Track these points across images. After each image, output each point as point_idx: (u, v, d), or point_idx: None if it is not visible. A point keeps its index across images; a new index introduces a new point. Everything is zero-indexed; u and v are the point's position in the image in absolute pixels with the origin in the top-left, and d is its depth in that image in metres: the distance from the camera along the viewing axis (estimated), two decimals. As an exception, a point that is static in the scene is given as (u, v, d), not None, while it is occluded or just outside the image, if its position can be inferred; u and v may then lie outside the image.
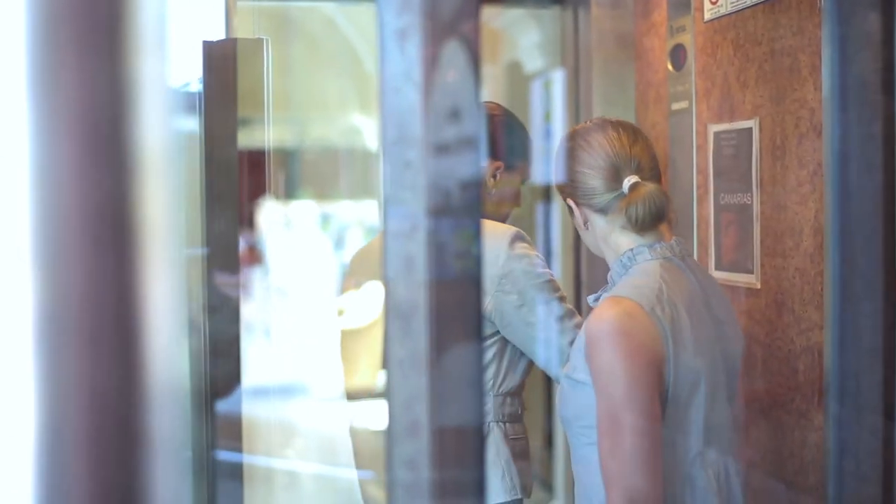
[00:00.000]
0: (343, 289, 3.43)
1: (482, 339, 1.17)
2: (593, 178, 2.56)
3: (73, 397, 0.62)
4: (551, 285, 3.00)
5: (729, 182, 3.61)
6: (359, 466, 3.38)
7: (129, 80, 0.65)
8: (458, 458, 1.21)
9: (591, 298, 2.67)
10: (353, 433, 3.40)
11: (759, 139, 3.42)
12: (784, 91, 3.27)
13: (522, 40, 5.36)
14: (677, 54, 4.08)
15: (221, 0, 3.67)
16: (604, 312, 2.41)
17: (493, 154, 3.17)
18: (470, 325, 1.20)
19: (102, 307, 0.61)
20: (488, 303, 2.94)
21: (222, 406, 3.42)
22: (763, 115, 3.40)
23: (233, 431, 3.49)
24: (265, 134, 3.32)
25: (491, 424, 3.02)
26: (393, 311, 1.18)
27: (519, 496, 3.05)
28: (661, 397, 2.39)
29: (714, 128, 3.73)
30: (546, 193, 4.86)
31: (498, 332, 3.00)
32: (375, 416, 2.94)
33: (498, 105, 3.30)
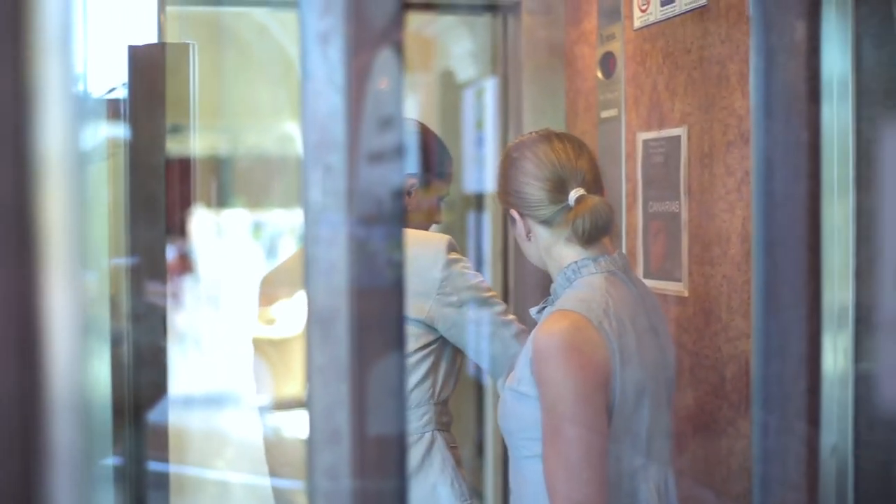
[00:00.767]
0: (259, 307, 3.40)
1: (404, 347, 1.15)
2: (539, 189, 2.55)
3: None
4: (485, 285, 3.02)
5: (657, 190, 3.62)
6: (280, 475, 3.35)
7: (30, 85, 0.63)
8: (379, 466, 1.19)
9: (533, 311, 2.66)
10: (274, 442, 3.37)
11: (687, 147, 3.43)
12: (712, 99, 3.29)
13: (455, 48, 5.36)
14: (607, 62, 4.09)
15: (153, 6, 3.64)
16: (552, 326, 2.40)
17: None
18: (392, 333, 1.18)
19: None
20: (430, 308, 2.94)
21: (149, 416, 3.38)
22: (692, 122, 3.42)
23: (160, 441, 3.44)
24: (191, 140, 3.28)
25: (434, 433, 3.02)
26: (313, 318, 1.16)
27: (469, 501, 3.05)
28: (607, 411, 2.38)
29: (643, 136, 3.75)
30: (477, 203, 4.86)
31: (436, 340, 3.00)
32: (300, 425, 2.92)
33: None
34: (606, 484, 2.34)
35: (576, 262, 2.54)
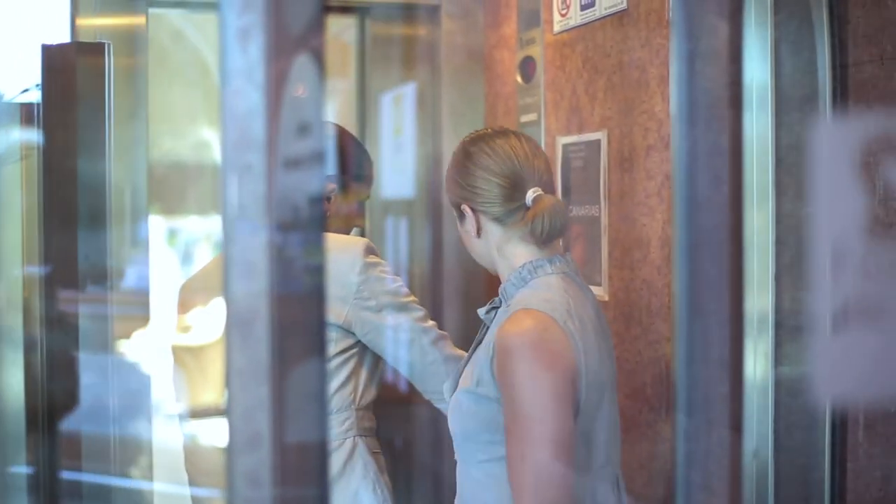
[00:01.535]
0: (176, 318, 3.36)
1: (325, 351, 1.13)
2: (496, 185, 2.50)
3: None
4: (404, 290, 3.00)
5: (577, 194, 3.63)
6: (199, 484, 3.32)
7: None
8: (300, 472, 1.17)
9: (481, 311, 2.62)
10: (193, 450, 3.34)
11: (607, 151, 3.44)
12: (632, 103, 3.30)
13: (372, 53, 5.34)
14: (526, 67, 4.09)
15: (65, 6, 3.59)
16: (517, 325, 2.35)
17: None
18: (313, 337, 1.16)
19: None
20: (347, 312, 2.92)
21: (63, 424, 3.33)
22: (611, 127, 3.42)
23: (73, 449, 3.39)
24: (106, 144, 3.23)
25: (356, 439, 3.00)
26: (232, 320, 1.14)
27: None
28: (574, 410, 2.35)
29: (563, 140, 3.75)
30: (397, 207, 4.84)
31: (355, 344, 2.98)
32: (219, 433, 2.88)
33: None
34: (573, 484, 2.31)
35: (531, 262, 2.50)
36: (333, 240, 2.97)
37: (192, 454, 3.35)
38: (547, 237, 2.49)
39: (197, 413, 3.37)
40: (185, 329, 3.42)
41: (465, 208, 2.56)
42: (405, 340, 2.97)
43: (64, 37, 3.53)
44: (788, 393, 2.93)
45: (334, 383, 2.98)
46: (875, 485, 2.76)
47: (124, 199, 4.27)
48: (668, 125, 3.09)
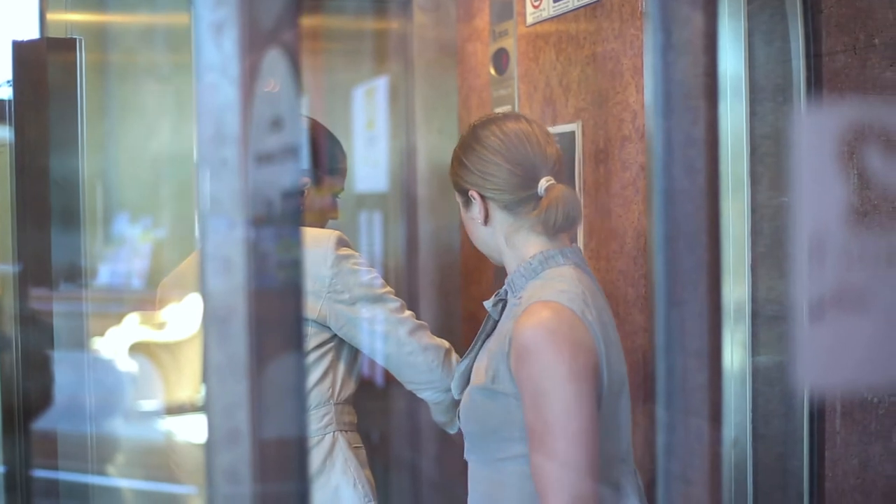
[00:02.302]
0: (148, 316, 3.35)
1: (303, 346, 1.13)
2: (509, 172, 2.42)
3: None
4: (379, 281, 2.97)
5: (553, 187, 3.62)
6: (180, 481, 3.30)
7: None
8: (281, 468, 1.17)
9: (488, 303, 2.55)
10: (174, 447, 3.33)
11: (582, 143, 3.44)
12: (606, 94, 3.30)
13: (344, 46, 5.33)
14: (500, 59, 4.08)
15: (34, 5, 3.57)
16: (535, 317, 2.28)
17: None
18: (290, 333, 1.15)
19: None
20: (321, 307, 2.90)
21: (37, 422, 3.31)
22: (586, 118, 3.42)
23: (49, 448, 3.37)
24: (79, 140, 3.21)
25: (336, 434, 2.98)
26: (210, 316, 1.13)
27: (373, 502, 3.01)
28: (597, 401, 2.29)
29: (537, 133, 3.74)
30: (370, 201, 4.83)
31: (332, 339, 2.96)
32: (197, 429, 2.87)
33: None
34: (597, 476, 2.26)
35: (542, 253, 2.43)
36: (305, 234, 2.95)
37: (170, 451, 3.34)
38: (560, 228, 2.42)
39: (173, 410, 3.36)
40: (161, 326, 3.41)
41: (473, 194, 2.48)
42: (381, 332, 2.95)
43: (33, 33, 3.51)
44: (766, 382, 2.94)
45: (311, 378, 2.96)
46: (853, 472, 2.77)
47: (96, 195, 4.25)
48: (642, 116, 3.09)
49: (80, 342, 3.44)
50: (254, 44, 1.12)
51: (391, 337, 2.94)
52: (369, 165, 4.75)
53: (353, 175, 4.61)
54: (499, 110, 4.07)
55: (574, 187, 3.45)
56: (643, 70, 3.06)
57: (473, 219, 2.52)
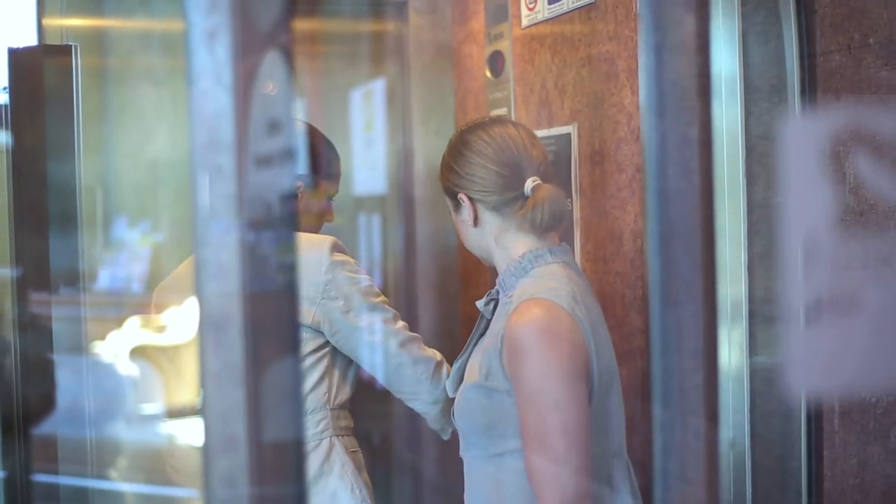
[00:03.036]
0: (146, 320, 3.35)
1: (299, 351, 1.13)
2: (495, 174, 2.48)
3: None
4: (374, 290, 2.98)
5: (549, 188, 3.63)
6: (178, 484, 3.31)
7: None
8: (277, 473, 1.17)
9: (480, 303, 2.59)
10: (172, 451, 3.33)
11: (577, 145, 3.44)
12: (602, 96, 3.30)
13: (341, 49, 5.33)
14: (495, 61, 4.09)
15: (31, 9, 3.57)
16: (526, 315, 2.32)
17: None
18: (286, 337, 1.16)
19: None
20: (315, 312, 2.90)
21: (38, 426, 3.31)
22: (581, 120, 3.43)
23: (49, 452, 3.38)
24: (76, 145, 3.21)
25: (332, 439, 2.99)
26: (206, 323, 1.13)
27: None
28: (587, 397, 2.33)
29: (534, 134, 3.75)
30: (369, 204, 4.83)
31: (326, 343, 2.97)
32: (196, 432, 2.88)
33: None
34: (591, 471, 2.30)
35: (531, 252, 2.48)
36: (300, 238, 2.95)
37: (170, 454, 3.34)
38: (547, 226, 2.48)
39: (173, 413, 3.36)
40: (160, 329, 3.41)
41: (462, 197, 2.54)
42: (372, 342, 2.95)
43: (31, 39, 3.51)
44: (764, 382, 2.94)
45: (307, 384, 2.96)
46: (851, 472, 2.77)
47: (96, 199, 4.26)
48: (637, 118, 3.10)
49: (78, 346, 3.45)
50: (247, 50, 1.12)
51: (382, 348, 2.95)
52: (367, 168, 4.75)
53: (351, 177, 4.61)
54: (495, 113, 4.07)
55: (570, 189, 3.45)
56: (638, 72, 3.07)
57: (463, 221, 2.58)
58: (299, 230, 3.04)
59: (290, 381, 1.16)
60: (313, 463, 2.94)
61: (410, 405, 3.02)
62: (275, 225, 1.14)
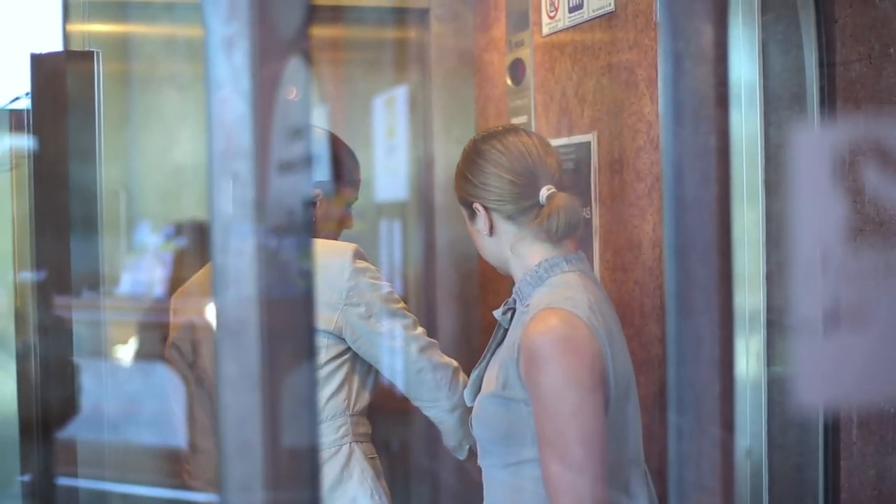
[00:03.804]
0: (172, 327, 3.36)
1: (315, 358, 1.14)
2: (510, 182, 2.47)
3: None
4: (394, 296, 2.99)
5: (569, 196, 3.63)
6: (194, 489, 3.32)
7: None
8: (292, 479, 1.17)
9: (497, 312, 2.59)
10: (192, 455, 3.34)
11: (597, 153, 3.44)
12: (621, 105, 3.30)
13: (364, 56, 5.34)
14: (516, 69, 4.09)
15: (57, 14, 3.59)
16: (543, 324, 2.32)
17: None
18: (303, 344, 1.16)
19: None
20: (337, 318, 2.91)
21: (61, 430, 3.33)
22: (601, 129, 3.43)
23: (69, 456, 3.39)
24: (97, 150, 3.23)
25: (352, 445, 2.99)
26: (223, 329, 1.14)
27: None
28: (604, 406, 2.33)
29: (553, 142, 3.75)
30: (390, 210, 4.84)
31: (347, 350, 2.98)
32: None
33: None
34: (607, 480, 2.30)
35: (547, 261, 2.48)
36: (321, 245, 2.97)
37: (189, 459, 3.35)
38: (562, 235, 2.47)
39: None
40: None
41: (477, 206, 2.53)
42: (393, 348, 2.96)
43: (56, 45, 3.53)
44: (782, 392, 2.93)
45: (327, 390, 2.97)
46: (869, 483, 2.76)
47: (119, 204, 4.28)
48: (657, 127, 3.10)
49: (99, 350, 3.46)
50: (265, 57, 1.13)
51: (402, 353, 2.96)
52: (388, 175, 4.76)
53: (372, 184, 4.62)
54: (515, 121, 4.07)
55: (589, 197, 3.45)
56: (657, 81, 3.07)
57: (479, 230, 2.58)
58: (318, 237, 3.05)
59: (306, 387, 1.17)
60: (333, 469, 2.95)
61: (428, 413, 3.02)
62: (292, 231, 1.14)
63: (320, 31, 4.89)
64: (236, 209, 1.13)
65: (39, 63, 3.21)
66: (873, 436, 2.75)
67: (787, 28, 2.88)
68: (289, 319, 1.16)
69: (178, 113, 4.54)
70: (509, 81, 4.15)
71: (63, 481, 3.40)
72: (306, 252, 1.16)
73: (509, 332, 2.51)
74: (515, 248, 2.53)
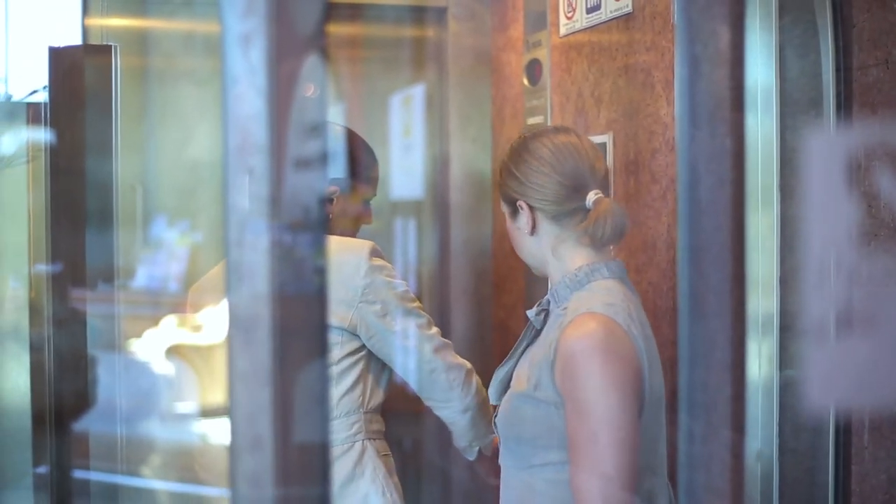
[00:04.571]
0: (181, 320, 3.37)
1: (327, 354, 1.14)
2: (558, 183, 2.43)
3: None
4: (409, 295, 3.00)
5: (584, 197, 3.63)
6: (206, 483, 3.32)
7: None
8: (303, 474, 1.17)
9: (531, 312, 2.54)
10: (202, 450, 3.35)
11: (613, 154, 3.44)
12: (638, 106, 3.30)
13: (381, 55, 5.35)
14: (533, 69, 4.09)
15: (76, 9, 3.60)
16: (582, 328, 2.29)
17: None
18: (315, 340, 1.16)
19: None
20: (352, 316, 2.92)
21: (74, 423, 3.34)
22: (617, 130, 3.43)
23: (82, 449, 3.40)
24: (114, 144, 3.24)
25: (365, 442, 2.99)
26: (235, 323, 1.14)
27: None
28: (639, 414, 2.31)
29: (570, 143, 3.75)
30: (405, 209, 4.85)
31: (362, 347, 2.98)
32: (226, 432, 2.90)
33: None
34: (636, 490, 2.28)
35: (588, 265, 2.44)
36: (338, 242, 2.97)
37: (198, 454, 3.36)
38: (607, 241, 2.43)
39: (207, 412, 3.38)
40: (196, 329, 3.43)
41: (522, 204, 2.49)
42: (407, 347, 2.96)
43: (74, 38, 3.54)
44: (793, 395, 2.93)
45: (342, 387, 2.97)
46: (881, 487, 2.76)
47: (136, 198, 4.29)
48: (673, 129, 3.09)
49: (113, 343, 3.47)
50: (282, 54, 1.13)
51: (416, 352, 2.96)
52: (404, 173, 4.76)
53: (389, 182, 4.62)
54: (531, 121, 4.08)
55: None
56: (674, 82, 3.07)
57: (519, 229, 2.53)
58: (335, 233, 3.05)
59: (318, 383, 1.17)
60: (346, 466, 2.95)
61: (439, 413, 3.03)
62: (307, 227, 1.15)
63: (338, 29, 4.90)
64: (251, 205, 1.13)
65: (57, 57, 3.22)
66: (885, 440, 2.74)
67: (804, 32, 2.88)
68: (302, 316, 1.16)
69: (196, 108, 4.55)
70: (526, 81, 4.15)
71: (78, 474, 3.41)
72: (320, 249, 1.16)
73: (543, 333, 2.47)
74: (556, 250, 2.49)
